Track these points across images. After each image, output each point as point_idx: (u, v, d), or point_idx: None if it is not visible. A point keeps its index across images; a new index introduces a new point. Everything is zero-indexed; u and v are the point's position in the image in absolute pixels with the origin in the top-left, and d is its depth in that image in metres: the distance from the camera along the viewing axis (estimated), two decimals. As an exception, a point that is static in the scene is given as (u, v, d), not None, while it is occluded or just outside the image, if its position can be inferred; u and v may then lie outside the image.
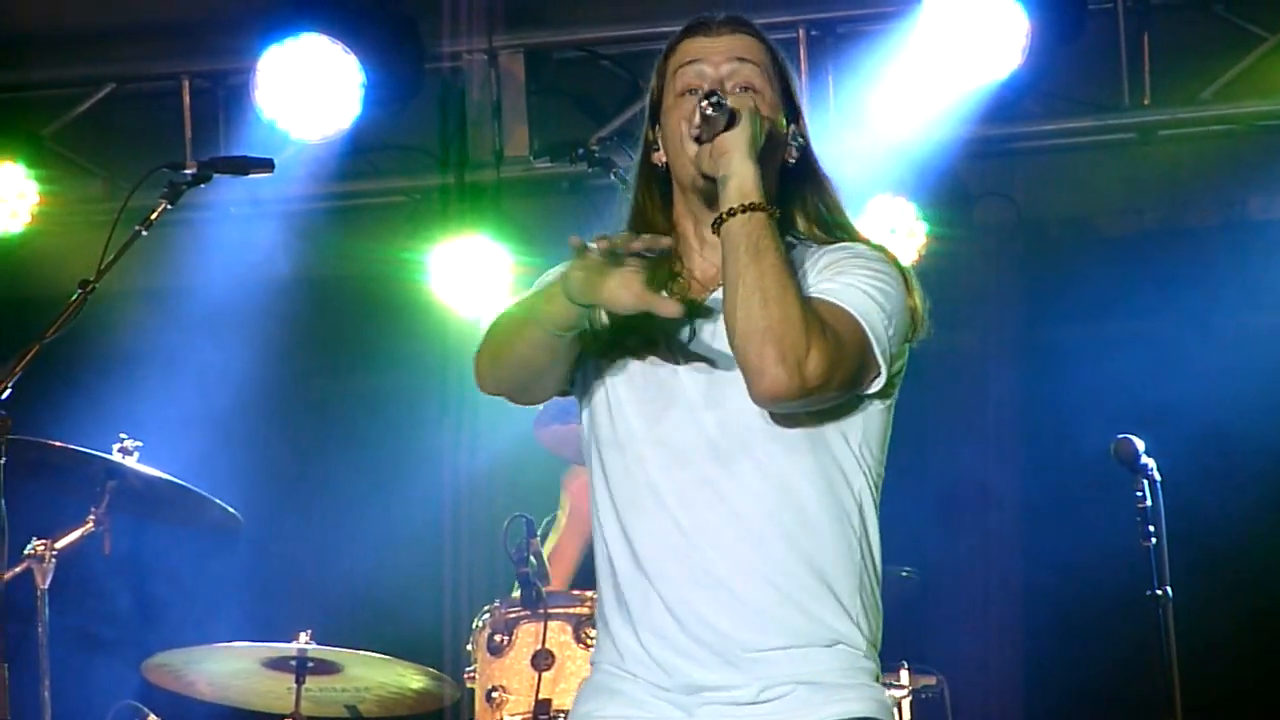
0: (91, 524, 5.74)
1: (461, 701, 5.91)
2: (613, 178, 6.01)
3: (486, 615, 5.64)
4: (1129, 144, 7.32)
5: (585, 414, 3.28)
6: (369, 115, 7.16)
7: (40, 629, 5.58)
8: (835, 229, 3.29)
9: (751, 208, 3.08)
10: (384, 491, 7.67)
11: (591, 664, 3.27)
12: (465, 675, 5.74)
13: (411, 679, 5.96)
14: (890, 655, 3.23)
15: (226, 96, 7.45)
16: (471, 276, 7.26)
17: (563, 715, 5.35)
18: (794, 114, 3.30)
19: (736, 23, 3.31)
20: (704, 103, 3.13)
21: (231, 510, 6.03)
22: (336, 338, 7.97)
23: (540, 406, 5.93)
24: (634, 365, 3.22)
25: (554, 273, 3.21)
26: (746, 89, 3.24)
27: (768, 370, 3.02)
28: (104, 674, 6.91)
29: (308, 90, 7.08)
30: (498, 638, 5.55)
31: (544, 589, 5.53)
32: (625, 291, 3.05)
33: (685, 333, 3.20)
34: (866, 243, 3.28)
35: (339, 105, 7.11)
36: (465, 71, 7.39)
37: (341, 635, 6.10)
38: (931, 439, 7.28)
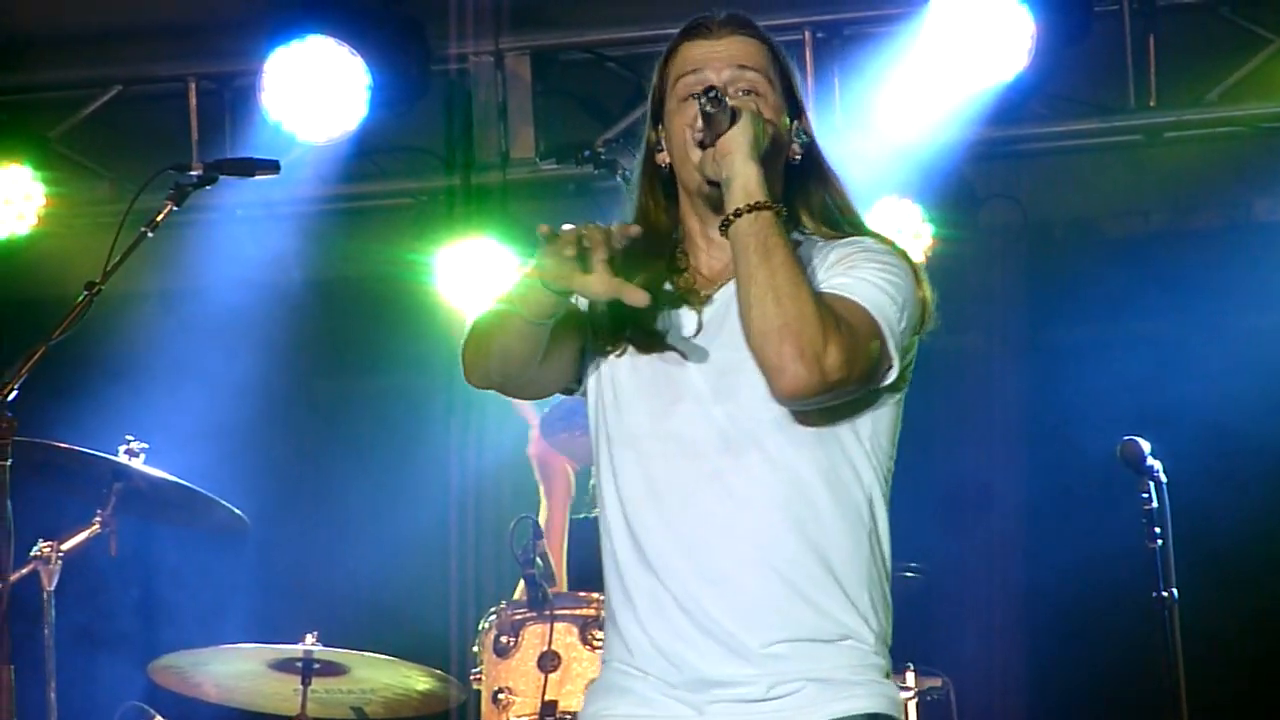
0: (98, 525, 5.76)
1: (468, 703, 5.90)
2: (619, 179, 5.99)
3: (493, 617, 5.64)
4: (1135, 146, 7.31)
5: (593, 412, 3.28)
6: (375, 117, 7.15)
7: (46, 630, 5.59)
8: (842, 224, 3.30)
9: (757, 207, 3.09)
10: (390, 493, 7.66)
11: (602, 662, 3.27)
12: (471, 677, 5.74)
13: (418, 680, 5.96)
14: (896, 656, 3.22)
15: (233, 98, 7.45)
16: (478, 278, 7.25)
17: (569, 717, 5.36)
18: (797, 111, 3.31)
19: (737, 23, 3.31)
20: (703, 99, 3.13)
21: (237, 512, 6.04)
22: (342, 339, 7.96)
23: (547, 410, 5.99)
24: (641, 360, 3.23)
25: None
26: (749, 93, 3.24)
27: (787, 367, 3.03)
28: (110, 675, 6.92)
29: (314, 92, 7.07)
30: (504, 639, 5.55)
31: (550, 590, 5.54)
32: (595, 279, 3.06)
33: (693, 327, 3.20)
34: (874, 236, 3.28)
35: (345, 107, 7.10)
36: (471, 73, 7.38)
37: (348, 637, 6.10)
38: (936, 440, 7.26)
